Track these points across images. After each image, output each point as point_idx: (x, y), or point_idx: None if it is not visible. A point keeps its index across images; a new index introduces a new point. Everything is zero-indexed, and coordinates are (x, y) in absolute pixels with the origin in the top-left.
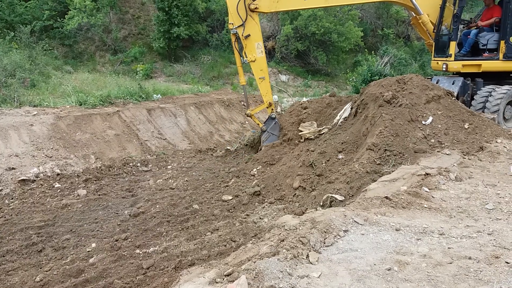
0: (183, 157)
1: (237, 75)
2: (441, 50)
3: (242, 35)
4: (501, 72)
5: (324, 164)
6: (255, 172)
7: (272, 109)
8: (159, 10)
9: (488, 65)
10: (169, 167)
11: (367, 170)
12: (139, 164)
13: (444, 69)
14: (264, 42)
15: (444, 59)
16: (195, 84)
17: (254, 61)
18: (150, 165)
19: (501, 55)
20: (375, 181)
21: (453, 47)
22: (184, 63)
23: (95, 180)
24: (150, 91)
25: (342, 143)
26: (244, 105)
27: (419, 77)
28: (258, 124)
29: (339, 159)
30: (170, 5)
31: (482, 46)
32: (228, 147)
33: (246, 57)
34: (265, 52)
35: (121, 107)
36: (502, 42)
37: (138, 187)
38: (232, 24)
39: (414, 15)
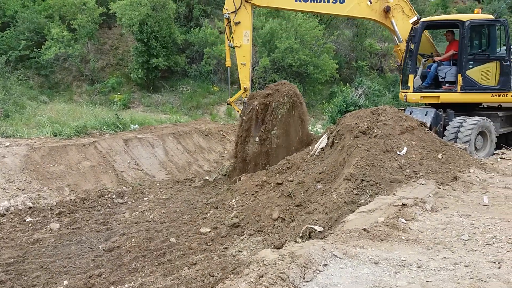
0: (160, 188)
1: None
2: (405, 82)
3: (233, 20)
4: (471, 103)
5: (303, 194)
6: (234, 203)
7: (246, 94)
8: (138, 41)
9: (447, 97)
10: (145, 198)
11: (345, 200)
12: (114, 196)
13: (405, 100)
14: None
15: (405, 90)
16: (174, 114)
17: (239, 47)
18: (126, 197)
19: (458, 88)
20: (353, 211)
21: (411, 79)
22: (162, 93)
23: (69, 213)
24: (128, 121)
25: (320, 173)
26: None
27: (393, 108)
28: (238, 111)
29: (317, 189)
30: (149, 37)
31: (441, 79)
32: (207, 177)
33: (233, 42)
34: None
35: (97, 137)
36: (459, 75)
37: (113, 220)
38: (227, 9)
39: (398, 42)
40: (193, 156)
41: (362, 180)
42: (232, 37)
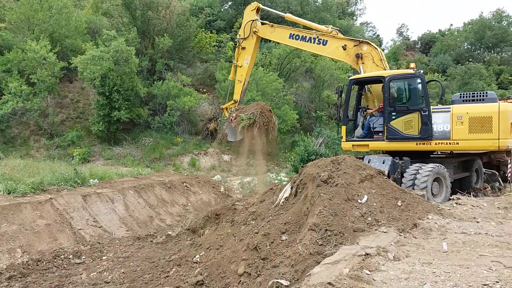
0: (120, 245)
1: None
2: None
3: (241, 45)
4: (426, 151)
5: (268, 247)
6: (198, 259)
7: (235, 105)
8: (99, 94)
9: (375, 145)
10: (104, 257)
11: (310, 251)
12: (71, 256)
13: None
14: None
15: (342, 140)
16: (135, 166)
17: (240, 67)
18: (83, 257)
19: (385, 137)
20: (319, 263)
21: (343, 130)
22: (124, 145)
23: (20, 277)
24: (87, 176)
25: (285, 223)
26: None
27: (352, 157)
28: (226, 115)
29: (283, 240)
30: (111, 90)
31: (373, 129)
32: (170, 232)
33: (237, 62)
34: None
35: (55, 194)
36: (385, 126)
37: (69, 282)
38: (239, 35)
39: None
40: (155, 210)
41: (326, 229)
42: (237, 58)
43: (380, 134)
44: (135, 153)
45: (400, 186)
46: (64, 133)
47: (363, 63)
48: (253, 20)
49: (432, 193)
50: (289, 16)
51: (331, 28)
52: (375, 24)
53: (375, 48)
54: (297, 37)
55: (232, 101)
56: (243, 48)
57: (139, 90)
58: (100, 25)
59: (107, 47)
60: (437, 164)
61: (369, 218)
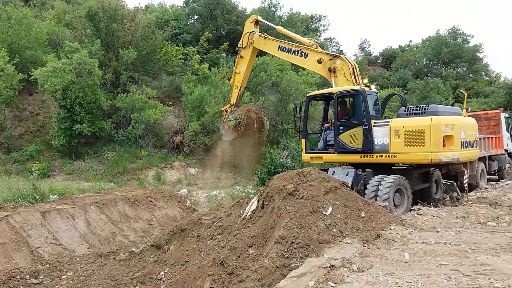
0: (81, 263)
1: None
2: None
3: (239, 54)
4: (386, 164)
5: (235, 261)
6: (163, 276)
7: (231, 108)
8: (60, 107)
9: (328, 157)
10: (64, 277)
11: (276, 264)
12: (28, 276)
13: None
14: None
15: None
16: (98, 181)
17: (238, 73)
18: (41, 277)
19: (335, 149)
20: (285, 276)
21: (303, 143)
22: (86, 160)
23: None
24: (46, 192)
25: (251, 236)
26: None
27: (316, 170)
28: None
29: (249, 254)
30: (73, 103)
31: (328, 142)
32: (133, 249)
33: (236, 69)
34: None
35: (11, 211)
36: (335, 139)
37: None
38: (240, 44)
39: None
40: (118, 226)
41: (292, 242)
42: (236, 66)
43: (333, 147)
44: (97, 167)
45: (363, 197)
46: (22, 147)
47: (335, 76)
48: (251, 32)
49: (394, 204)
50: (279, 28)
51: (314, 41)
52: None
53: (348, 62)
54: (284, 49)
55: (229, 104)
56: (241, 56)
57: (102, 102)
58: (62, 37)
59: (69, 59)
60: (399, 176)
61: (334, 230)
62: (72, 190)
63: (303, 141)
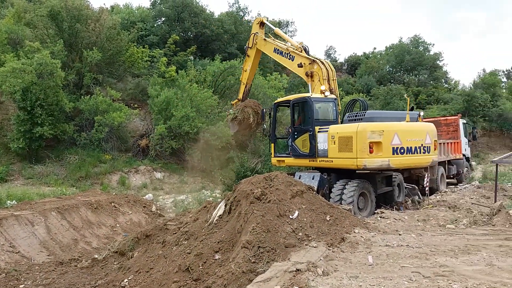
0: (40, 272)
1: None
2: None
3: (246, 53)
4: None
5: (201, 267)
6: (127, 283)
7: (238, 103)
8: (20, 109)
9: (288, 161)
10: (21, 286)
11: (243, 270)
12: None
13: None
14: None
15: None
16: (59, 186)
17: (245, 71)
18: None
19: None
20: (251, 281)
21: (272, 147)
22: (47, 163)
23: None
24: (3, 197)
25: (218, 242)
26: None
27: (283, 174)
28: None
29: (216, 259)
30: (33, 105)
31: (289, 147)
32: (96, 256)
33: (243, 67)
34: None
35: None
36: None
37: None
38: (247, 44)
39: None
40: (80, 233)
41: (259, 246)
42: (244, 64)
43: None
44: (59, 171)
45: (329, 201)
46: None
47: (312, 81)
48: (255, 33)
49: (358, 208)
50: (276, 30)
51: (300, 44)
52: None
53: (323, 67)
54: (277, 51)
55: (237, 99)
56: (248, 56)
57: (64, 105)
58: (22, 36)
59: (29, 59)
60: (363, 180)
61: (300, 234)
62: (31, 195)
63: (272, 145)
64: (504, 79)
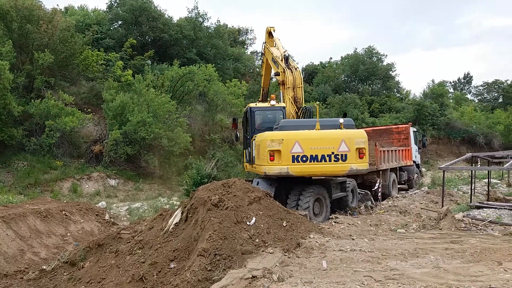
0: None
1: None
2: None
3: (262, 59)
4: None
5: (155, 276)
6: None
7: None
8: None
9: (248, 167)
10: None
11: (198, 278)
12: None
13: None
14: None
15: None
16: (5, 194)
17: (262, 75)
18: None
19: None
20: None
21: (244, 153)
22: None
23: None
24: None
25: (174, 250)
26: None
27: (241, 180)
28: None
29: (171, 268)
30: None
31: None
32: (44, 267)
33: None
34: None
35: None
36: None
37: None
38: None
39: None
40: (27, 243)
41: (216, 254)
42: (261, 69)
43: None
44: (5, 178)
45: (286, 207)
46: None
47: (284, 89)
48: (264, 42)
49: (314, 213)
50: (275, 38)
51: (284, 53)
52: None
53: (290, 75)
54: (273, 60)
55: (258, 100)
56: (263, 61)
57: (12, 108)
58: None
59: None
60: (318, 185)
61: (257, 240)
62: None
63: (244, 151)
64: (451, 90)
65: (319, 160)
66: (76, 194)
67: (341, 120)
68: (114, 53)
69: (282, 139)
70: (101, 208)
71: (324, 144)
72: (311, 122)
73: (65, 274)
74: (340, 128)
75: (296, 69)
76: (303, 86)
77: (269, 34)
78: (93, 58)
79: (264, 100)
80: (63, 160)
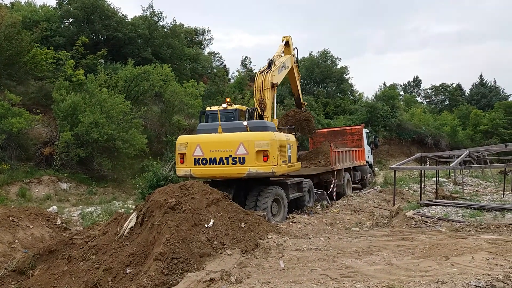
0: None
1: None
2: None
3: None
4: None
5: (110, 282)
6: None
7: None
8: None
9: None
10: None
11: (155, 282)
12: None
13: None
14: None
15: None
16: None
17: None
18: None
19: None
20: None
21: None
22: None
23: None
24: None
25: (129, 255)
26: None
27: (199, 183)
28: None
29: (126, 274)
30: None
31: None
32: None
33: None
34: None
35: None
36: None
37: None
38: None
39: None
40: None
41: (173, 258)
42: None
43: None
44: None
45: (244, 208)
46: None
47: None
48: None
49: (272, 213)
50: (281, 45)
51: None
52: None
53: (259, 79)
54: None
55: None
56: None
57: None
58: None
59: None
60: (276, 186)
61: (215, 242)
62: None
63: None
64: (402, 92)
65: (217, 163)
66: (24, 199)
67: (245, 123)
68: (65, 51)
69: (187, 143)
70: (52, 213)
71: (222, 147)
72: (226, 125)
73: (13, 283)
74: (246, 131)
75: (267, 72)
76: (269, 88)
77: (286, 43)
78: (42, 56)
79: (298, 105)
80: (10, 163)
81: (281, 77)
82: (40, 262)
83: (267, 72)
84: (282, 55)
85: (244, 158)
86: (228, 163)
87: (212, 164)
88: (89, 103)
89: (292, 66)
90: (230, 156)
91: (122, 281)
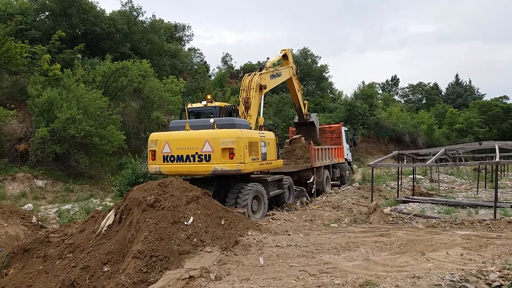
0: None
1: None
2: None
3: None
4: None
5: (88, 281)
6: None
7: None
8: None
9: None
10: None
11: (134, 280)
12: None
13: None
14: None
15: None
16: None
17: None
18: None
19: None
20: None
21: None
22: None
23: None
24: None
25: (107, 253)
26: None
27: (179, 180)
28: None
29: (104, 272)
30: None
31: None
32: None
33: None
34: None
35: None
36: None
37: None
38: None
39: None
40: None
41: (152, 256)
42: None
43: None
44: None
45: (224, 205)
46: None
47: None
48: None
49: (252, 210)
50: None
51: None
52: (202, 51)
53: (246, 79)
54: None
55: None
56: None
57: None
58: None
59: None
60: (256, 183)
61: (195, 239)
62: None
63: None
64: (380, 91)
65: (184, 160)
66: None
67: (211, 120)
68: (41, 45)
69: (157, 140)
70: (27, 210)
71: (189, 145)
72: (195, 122)
73: None
74: (213, 128)
75: (254, 74)
76: (255, 88)
77: (283, 56)
78: (17, 50)
79: (300, 117)
80: None
81: (272, 83)
82: (15, 261)
83: (255, 74)
84: (277, 63)
85: (209, 155)
86: (194, 161)
87: (179, 162)
88: (66, 99)
89: (290, 78)
90: (196, 153)
91: (99, 280)
